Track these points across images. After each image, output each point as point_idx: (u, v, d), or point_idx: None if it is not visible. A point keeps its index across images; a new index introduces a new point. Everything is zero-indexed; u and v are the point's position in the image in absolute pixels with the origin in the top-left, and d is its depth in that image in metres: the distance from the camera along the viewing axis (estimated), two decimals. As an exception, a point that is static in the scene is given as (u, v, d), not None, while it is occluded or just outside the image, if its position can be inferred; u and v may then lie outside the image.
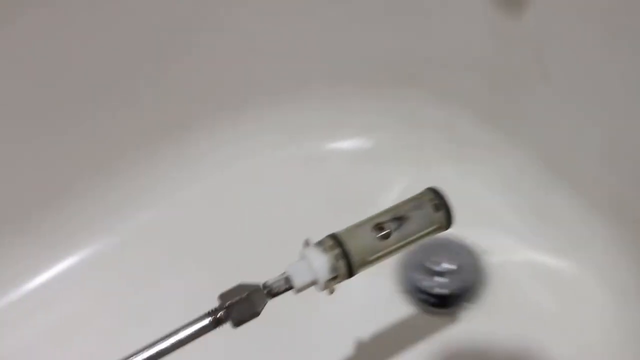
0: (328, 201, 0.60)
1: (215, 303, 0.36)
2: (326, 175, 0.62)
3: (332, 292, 0.38)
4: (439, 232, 0.42)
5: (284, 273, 0.38)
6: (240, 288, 0.37)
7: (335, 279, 0.38)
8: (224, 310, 0.36)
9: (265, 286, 0.37)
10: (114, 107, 0.58)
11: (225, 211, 0.61)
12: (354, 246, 0.39)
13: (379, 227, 0.40)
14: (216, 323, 0.36)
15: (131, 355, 0.34)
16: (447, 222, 0.42)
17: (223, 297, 0.37)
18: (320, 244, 0.39)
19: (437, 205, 0.41)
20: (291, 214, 0.58)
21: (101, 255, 0.59)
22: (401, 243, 0.40)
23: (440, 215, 0.41)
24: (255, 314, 0.37)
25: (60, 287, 0.58)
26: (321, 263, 0.38)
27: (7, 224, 0.57)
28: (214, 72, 0.61)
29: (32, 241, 0.58)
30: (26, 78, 0.54)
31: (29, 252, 0.58)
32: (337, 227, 0.40)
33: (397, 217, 0.40)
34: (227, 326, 0.36)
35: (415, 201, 0.41)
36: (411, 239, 0.41)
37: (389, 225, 0.40)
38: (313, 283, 0.38)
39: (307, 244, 0.39)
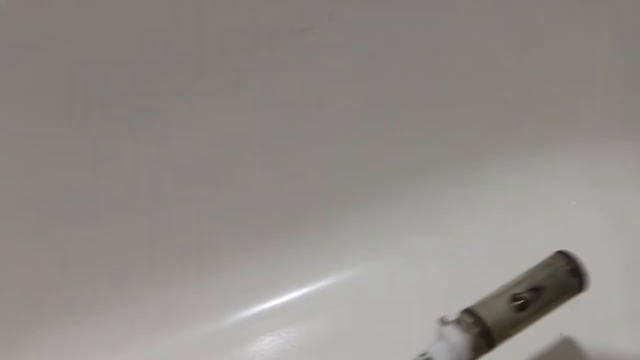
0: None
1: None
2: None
3: (474, 366, 0.38)
4: (574, 296, 0.41)
5: (425, 354, 0.38)
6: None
7: (477, 356, 0.38)
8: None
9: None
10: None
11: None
12: (493, 321, 0.38)
13: (515, 298, 0.39)
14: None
15: None
16: (582, 286, 0.41)
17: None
18: (459, 322, 0.38)
19: (571, 271, 0.40)
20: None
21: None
22: (539, 313, 0.39)
23: (575, 280, 0.40)
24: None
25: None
26: (463, 343, 0.37)
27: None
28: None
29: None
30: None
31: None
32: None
33: (534, 287, 0.39)
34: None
35: (549, 268, 0.40)
36: (548, 308, 0.40)
37: (526, 296, 0.39)
38: (456, 361, 0.38)
39: (443, 322, 0.39)
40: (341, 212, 0.57)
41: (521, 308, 0.39)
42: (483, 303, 0.39)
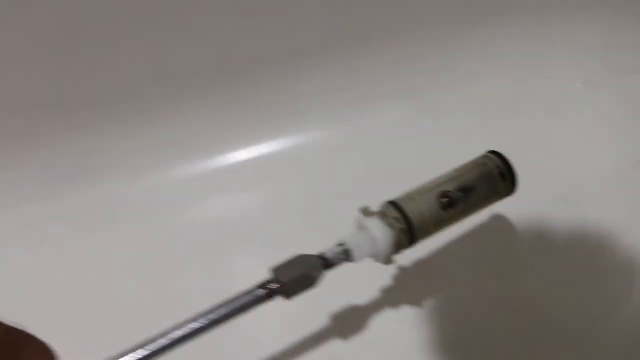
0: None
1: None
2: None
3: (391, 263, 0.36)
4: (501, 199, 0.39)
5: (343, 244, 0.35)
6: (296, 259, 0.34)
7: (397, 251, 0.36)
8: (279, 282, 0.33)
9: (322, 257, 0.35)
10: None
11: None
12: (417, 218, 0.36)
13: (444, 196, 0.37)
14: (270, 295, 0.33)
15: (181, 325, 0.32)
16: (512, 190, 0.39)
17: (277, 269, 0.34)
18: (383, 215, 0.36)
19: (503, 173, 0.38)
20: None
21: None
22: (464, 214, 0.38)
23: (506, 184, 0.38)
24: (311, 285, 0.34)
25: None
26: (385, 238, 0.35)
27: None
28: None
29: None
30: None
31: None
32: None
33: (463, 187, 0.37)
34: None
35: (482, 168, 0.38)
36: (475, 208, 0.38)
37: (454, 195, 0.37)
38: (374, 256, 0.36)
39: (366, 212, 0.36)
40: (299, 69, 0.50)
41: (448, 206, 0.37)
42: (410, 197, 0.37)
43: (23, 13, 0.44)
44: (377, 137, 0.51)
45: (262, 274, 0.33)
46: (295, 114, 0.51)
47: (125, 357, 0.31)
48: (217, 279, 0.44)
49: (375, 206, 0.37)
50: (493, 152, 0.39)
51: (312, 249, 0.35)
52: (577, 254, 0.42)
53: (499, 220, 0.44)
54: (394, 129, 0.51)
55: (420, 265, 0.42)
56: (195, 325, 0.32)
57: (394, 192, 0.37)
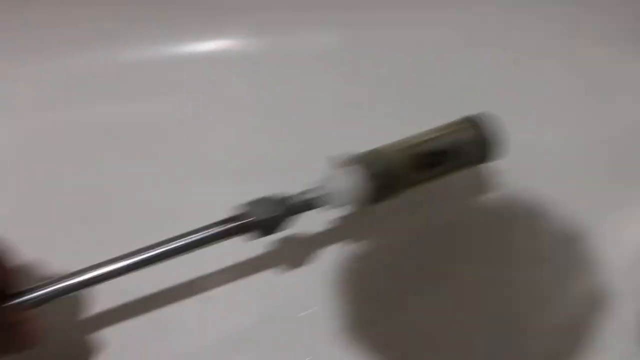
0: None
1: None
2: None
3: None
4: (473, 167, 0.40)
5: (313, 191, 0.36)
6: (265, 200, 0.35)
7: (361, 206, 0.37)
8: (248, 219, 0.34)
9: (290, 200, 0.35)
10: None
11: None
12: (388, 175, 0.36)
13: (417, 158, 0.37)
14: (238, 231, 0.34)
15: (149, 248, 0.33)
16: (486, 160, 0.40)
17: (249, 205, 0.35)
18: (355, 165, 0.36)
19: (480, 143, 0.39)
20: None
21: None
22: (435, 178, 0.38)
23: (480, 153, 0.39)
24: (277, 229, 0.35)
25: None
26: (353, 190, 0.36)
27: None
28: None
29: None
30: None
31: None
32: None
33: (438, 151, 0.38)
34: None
35: (459, 134, 0.38)
36: (445, 174, 0.39)
37: (428, 159, 0.37)
38: (339, 206, 0.36)
39: (342, 163, 0.36)
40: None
41: (420, 169, 0.38)
42: (386, 155, 0.37)
43: None
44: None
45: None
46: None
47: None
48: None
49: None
50: (476, 116, 0.40)
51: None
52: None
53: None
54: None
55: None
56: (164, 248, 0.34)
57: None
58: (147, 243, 0.34)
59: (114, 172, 0.44)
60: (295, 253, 0.41)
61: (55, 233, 0.41)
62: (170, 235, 0.34)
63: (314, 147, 0.41)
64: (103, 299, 0.38)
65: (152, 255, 0.33)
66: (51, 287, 0.33)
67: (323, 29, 0.51)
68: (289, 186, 0.36)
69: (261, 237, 0.35)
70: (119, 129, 0.46)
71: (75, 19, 0.49)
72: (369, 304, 0.39)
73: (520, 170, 0.42)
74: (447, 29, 0.50)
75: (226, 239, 0.35)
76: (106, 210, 0.42)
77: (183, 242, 0.34)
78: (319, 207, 0.36)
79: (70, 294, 0.33)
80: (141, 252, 0.34)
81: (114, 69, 0.49)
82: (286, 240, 0.41)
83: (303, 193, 0.36)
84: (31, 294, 0.32)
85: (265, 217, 0.35)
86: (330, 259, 0.40)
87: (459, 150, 0.38)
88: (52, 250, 0.38)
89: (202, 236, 0.34)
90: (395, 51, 0.50)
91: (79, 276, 0.33)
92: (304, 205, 0.36)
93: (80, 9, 0.48)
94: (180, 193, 0.43)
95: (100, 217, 0.42)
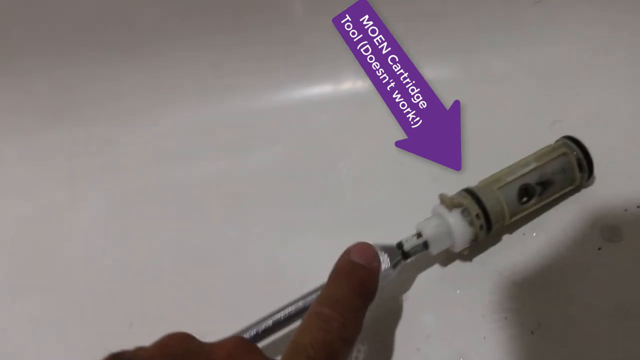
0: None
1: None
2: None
3: (466, 253, 0.37)
4: (574, 189, 0.39)
5: (421, 236, 0.35)
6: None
7: (472, 243, 0.36)
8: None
9: (400, 247, 0.35)
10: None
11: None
12: (498, 213, 0.36)
13: (524, 189, 0.37)
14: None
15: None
16: (586, 180, 0.39)
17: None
18: (464, 212, 0.35)
19: (581, 164, 0.38)
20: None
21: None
22: (538, 206, 0.38)
23: (582, 174, 0.38)
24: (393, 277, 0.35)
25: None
26: (464, 234, 0.35)
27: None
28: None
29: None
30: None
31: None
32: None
33: (543, 181, 0.37)
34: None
35: (562, 159, 0.38)
36: (548, 201, 0.38)
37: (535, 188, 0.37)
38: (451, 247, 0.36)
39: (445, 201, 0.36)
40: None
41: (526, 199, 0.37)
42: (489, 188, 0.36)
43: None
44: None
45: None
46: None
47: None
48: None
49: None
50: (570, 138, 0.39)
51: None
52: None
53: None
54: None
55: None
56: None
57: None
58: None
59: (217, 226, 0.44)
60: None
61: (161, 287, 0.41)
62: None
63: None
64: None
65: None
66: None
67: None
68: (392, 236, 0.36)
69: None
70: (222, 182, 0.46)
71: (178, 76, 0.49)
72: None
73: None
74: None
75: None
76: (212, 267, 0.42)
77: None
78: (431, 251, 0.36)
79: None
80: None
81: (213, 123, 0.49)
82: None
83: (409, 240, 0.36)
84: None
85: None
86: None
87: (563, 176, 0.38)
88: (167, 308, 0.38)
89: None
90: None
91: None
92: (416, 250, 0.36)
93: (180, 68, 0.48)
94: (282, 245, 0.42)
95: (206, 275, 0.41)
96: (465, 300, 0.37)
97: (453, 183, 0.38)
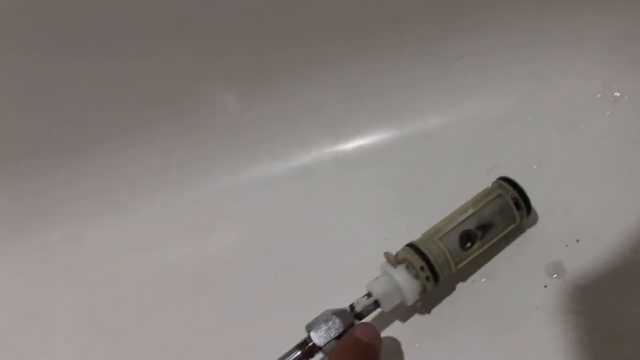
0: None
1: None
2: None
3: (419, 305, 0.38)
4: (515, 227, 0.40)
5: (371, 296, 0.36)
6: (326, 315, 0.36)
7: (421, 295, 0.37)
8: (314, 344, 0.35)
9: (352, 309, 0.36)
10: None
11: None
12: (442, 262, 0.37)
13: (464, 235, 0.38)
14: (307, 355, 0.35)
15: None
16: (525, 218, 0.40)
17: (310, 327, 0.35)
18: (409, 266, 0.37)
19: (518, 203, 0.39)
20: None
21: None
22: (482, 250, 0.39)
23: (520, 212, 0.39)
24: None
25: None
26: (413, 288, 0.36)
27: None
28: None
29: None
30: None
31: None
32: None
33: (483, 224, 0.38)
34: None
35: (499, 200, 0.39)
36: (491, 243, 0.39)
37: (475, 233, 0.38)
38: (402, 302, 0.37)
39: (390, 259, 0.37)
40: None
41: (468, 245, 0.38)
42: (432, 240, 0.37)
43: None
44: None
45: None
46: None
47: None
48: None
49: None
50: (504, 179, 0.40)
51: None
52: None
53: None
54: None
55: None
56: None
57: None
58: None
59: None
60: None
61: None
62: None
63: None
64: None
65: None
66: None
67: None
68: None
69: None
70: (189, 265, 0.48)
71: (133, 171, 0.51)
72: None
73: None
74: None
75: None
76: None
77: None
78: (383, 309, 0.37)
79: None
80: None
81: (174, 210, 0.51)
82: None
83: (360, 301, 0.36)
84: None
85: (336, 335, 0.35)
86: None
87: (502, 217, 0.39)
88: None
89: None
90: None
91: None
92: (368, 310, 0.36)
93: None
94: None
95: None
96: (425, 353, 0.38)
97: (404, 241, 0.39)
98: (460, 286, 0.40)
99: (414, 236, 0.39)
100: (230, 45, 0.46)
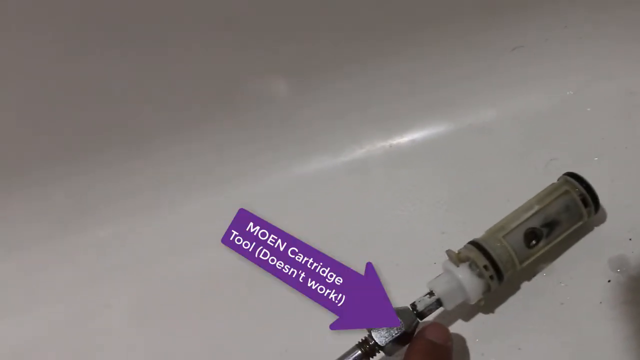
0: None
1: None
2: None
3: (482, 304, 0.37)
4: (582, 224, 0.39)
5: (433, 294, 0.35)
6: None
7: (485, 294, 0.36)
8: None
9: (414, 308, 0.35)
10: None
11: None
12: (507, 261, 0.36)
13: (530, 233, 0.37)
14: (368, 355, 0.34)
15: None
16: (593, 215, 0.39)
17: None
18: (472, 265, 0.36)
19: (586, 200, 0.38)
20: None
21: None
22: (547, 247, 0.38)
23: (588, 210, 0.38)
24: (408, 341, 0.35)
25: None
26: (476, 288, 0.35)
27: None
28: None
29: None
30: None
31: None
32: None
33: (549, 222, 0.37)
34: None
35: (565, 197, 0.37)
36: (557, 241, 0.38)
37: (540, 231, 0.37)
38: (466, 301, 0.36)
39: (453, 257, 0.36)
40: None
41: (533, 243, 0.37)
42: (496, 238, 0.36)
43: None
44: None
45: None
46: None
47: None
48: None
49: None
50: (571, 175, 0.39)
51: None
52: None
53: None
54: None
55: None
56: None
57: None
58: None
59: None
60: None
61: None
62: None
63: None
64: None
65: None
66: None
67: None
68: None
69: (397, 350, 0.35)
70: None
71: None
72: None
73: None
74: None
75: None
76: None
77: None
78: (446, 307, 0.36)
79: None
80: None
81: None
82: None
83: (422, 300, 0.36)
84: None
85: (400, 334, 0.34)
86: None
87: (568, 214, 0.37)
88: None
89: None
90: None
91: None
92: (430, 309, 0.36)
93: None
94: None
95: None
96: (487, 350, 0.37)
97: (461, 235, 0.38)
98: (523, 283, 0.39)
99: (471, 229, 0.38)
100: (283, 39, 0.45)
